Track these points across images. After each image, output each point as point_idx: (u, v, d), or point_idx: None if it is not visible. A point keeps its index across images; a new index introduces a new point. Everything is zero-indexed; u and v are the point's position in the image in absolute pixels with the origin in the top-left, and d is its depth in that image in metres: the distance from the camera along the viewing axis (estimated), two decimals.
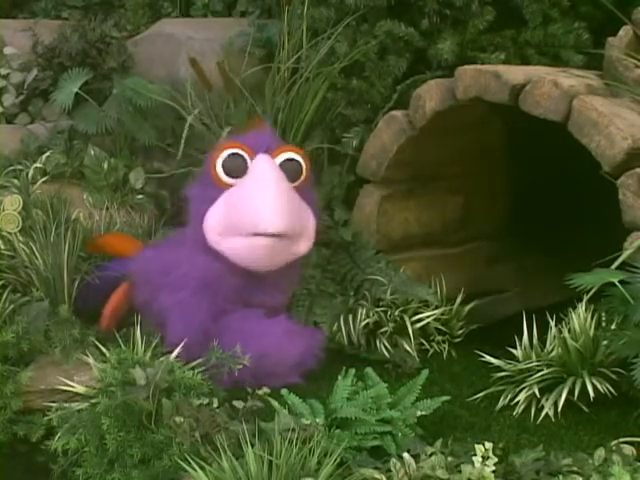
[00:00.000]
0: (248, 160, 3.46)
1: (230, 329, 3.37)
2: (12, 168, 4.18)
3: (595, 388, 3.09)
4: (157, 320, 3.42)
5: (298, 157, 3.52)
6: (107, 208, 4.06)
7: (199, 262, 3.46)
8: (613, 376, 3.12)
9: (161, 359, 3.10)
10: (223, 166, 3.46)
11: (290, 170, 3.48)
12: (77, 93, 4.31)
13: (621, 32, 3.54)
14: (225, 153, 3.47)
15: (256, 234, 3.35)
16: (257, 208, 3.35)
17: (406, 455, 2.67)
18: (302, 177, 3.51)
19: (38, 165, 4.19)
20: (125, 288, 3.59)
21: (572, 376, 3.16)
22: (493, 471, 2.56)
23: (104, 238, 3.85)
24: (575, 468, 2.66)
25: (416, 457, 2.68)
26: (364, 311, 3.65)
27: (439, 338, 3.74)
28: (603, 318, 3.20)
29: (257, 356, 3.29)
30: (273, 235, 3.34)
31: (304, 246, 3.53)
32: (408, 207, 3.94)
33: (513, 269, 4.29)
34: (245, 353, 3.26)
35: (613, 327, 3.11)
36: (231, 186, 3.45)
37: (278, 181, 3.42)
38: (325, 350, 3.58)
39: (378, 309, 3.65)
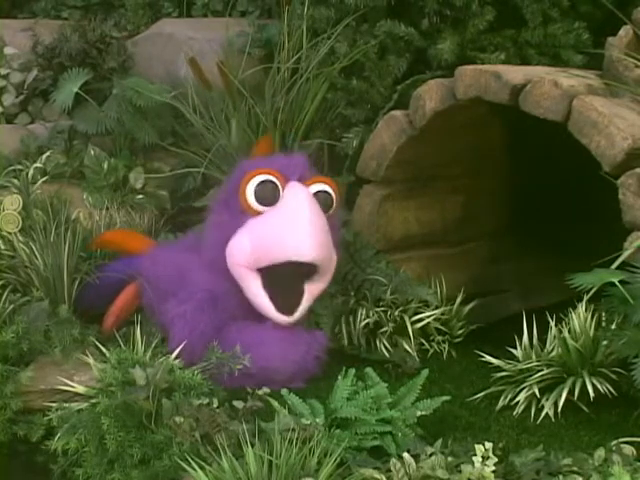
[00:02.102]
0: (280, 188, 3.40)
1: (228, 342, 3.33)
2: (12, 168, 4.17)
3: (595, 388, 3.09)
4: (161, 323, 3.41)
5: (330, 189, 3.49)
6: (107, 208, 4.06)
7: (208, 278, 3.45)
8: (613, 376, 3.12)
9: (161, 359, 3.10)
10: (255, 193, 3.40)
11: (323, 202, 3.44)
12: (77, 93, 4.31)
13: (621, 32, 3.54)
14: (257, 179, 3.39)
15: (288, 262, 3.33)
16: (293, 236, 3.31)
17: (406, 455, 2.67)
18: (332, 209, 3.49)
19: (38, 165, 4.19)
20: (133, 289, 3.59)
21: (572, 376, 3.16)
22: (493, 471, 2.56)
23: (110, 234, 3.83)
24: (575, 468, 2.66)
25: (416, 457, 2.69)
26: (364, 311, 3.65)
27: (439, 338, 3.74)
28: (603, 318, 3.20)
29: (259, 365, 3.28)
30: (303, 263, 3.32)
31: (323, 285, 3.50)
32: (408, 207, 3.94)
33: (513, 269, 4.28)
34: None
35: (613, 327, 3.11)
36: (260, 213, 3.40)
37: (314, 211, 3.37)
38: (325, 350, 3.58)
39: (378, 309, 3.65)
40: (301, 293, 3.44)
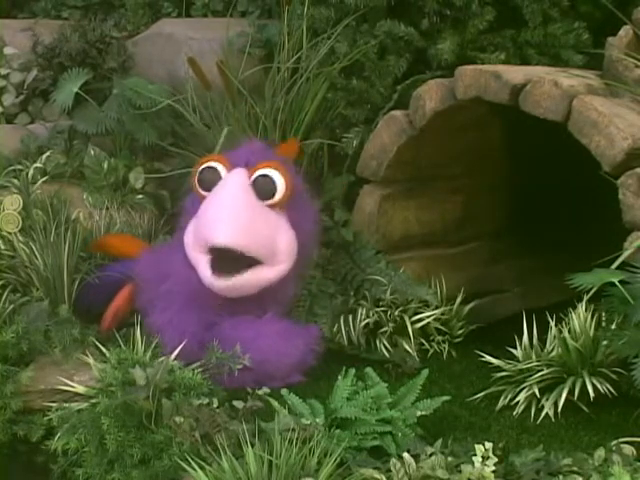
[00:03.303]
0: (223, 174, 3.45)
1: (223, 339, 3.34)
2: (12, 168, 4.17)
3: (595, 388, 3.09)
4: (152, 331, 3.41)
5: (275, 174, 3.41)
6: (107, 208, 4.06)
7: (187, 275, 3.45)
8: (613, 376, 3.12)
9: (161, 359, 3.10)
10: (198, 179, 3.48)
11: (261, 187, 3.40)
12: (77, 93, 4.31)
13: (621, 32, 3.54)
14: (203, 166, 3.49)
15: (209, 249, 3.34)
16: (209, 221, 3.34)
17: (406, 455, 2.67)
18: (278, 196, 3.41)
19: (38, 165, 4.19)
20: (129, 290, 3.59)
21: (572, 376, 3.16)
22: (493, 471, 2.56)
23: (107, 239, 3.84)
24: (575, 468, 2.66)
25: (416, 457, 2.69)
26: (364, 311, 3.65)
27: (439, 338, 3.74)
28: (603, 318, 3.20)
29: (255, 361, 3.29)
30: (219, 249, 3.30)
31: (275, 271, 3.44)
32: (408, 207, 3.94)
33: (513, 269, 4.28)
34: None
35: (613, 327, 3.11)
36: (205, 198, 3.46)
37: (237, 196, 3.36)
38: (325, 350, 3.58)
39: (378, 309, 3.65)
40: (246, 269, 3.39)
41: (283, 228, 3.44)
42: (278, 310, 3.55)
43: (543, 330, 3.33)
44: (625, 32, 3.53)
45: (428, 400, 3.07)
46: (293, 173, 3.52)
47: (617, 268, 3.00)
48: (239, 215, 3.34)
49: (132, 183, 4.21)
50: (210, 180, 3.46)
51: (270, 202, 3.42)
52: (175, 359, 3.16)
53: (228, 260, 3.35)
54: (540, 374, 3.18)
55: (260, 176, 3.41)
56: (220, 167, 3.47)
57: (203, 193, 3.48)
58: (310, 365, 3.46)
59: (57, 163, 4.22)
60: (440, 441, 2.83)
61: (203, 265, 3.39)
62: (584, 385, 3.11)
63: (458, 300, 3.86)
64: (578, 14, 4.08)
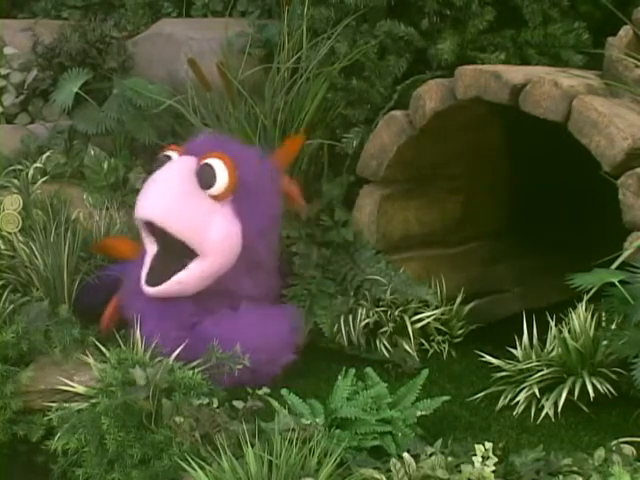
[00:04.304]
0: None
1: (204, 338, 3.32)
2: (12, 168, 4.18)
3: (595, 388, 3.09)
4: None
5: (219, 164, 3.39)
6: (107, 208, 4.06)
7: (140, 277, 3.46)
8: (613, 376, 3.12)
9: (161, 358, 3.11)
10: (153, 164, 3.54)
11: (202, 175, 3.39)
12: (77, 93, 4.31)
13: (621, 32, 3.54)
14: (160, 154, 3.54)
15: (140, 221, 3.39)
16: (141, 196, 3.41)
17: (406, 455, 2.67)
18: (218, 186, 3.39)
19: (38, 165, 4.19)
20: None
21: (572, 376, 3.16)
22: (493, 471, 2.56)
23: (108, 241, 3.83)
24: (575, 468, 2.66)
25: (416, 457, 2.69)
26: (364, 311, 3.65)
27: (439, 338, 3.73)
28: (603, 318, 3.20)
29: (245, 352, 3.28)
30: (143, 221, 3.35)
31: (207, 263, 3.39)
32: (408, 207, 3.94)
33: (513, 269, 4.28)
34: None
35: (613, 327, 3.11)
36: None
37: (171, 176, 3.41)
38: (325, 350, 3.59)
39: (378, 309, 3.65)
40: (181, 268, 3.38)
41: (221, 220, 3.40)
42: (251, 300, 3.54)
43: (543, 330, 3.33)
44: (625, 32, 3.53)
45: (428, 400, 3.07)
46: (252, 166, 3.50)
47: (617, 268, 3.00)
48: (166, 192, 3.37)
49: (132, 183, 4.21)
50: (158, 166, 3.49)
51: (211, 192, 3.39)
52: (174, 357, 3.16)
53: (167, 259, 3.38)
54: (540, 374, 3.18)
55: (203, 165, 3.41)
56: (175, 155, 3.50)
57: None
58: (297, 342, 3.47)
59: (57, 163, 4.23)
60: (440, 441, 2.83)
61: (144, 268, 3.42)
62: (584, 385, 3.11)
63: (458, 300, 3.86)
64: (578, 14, 4.08)
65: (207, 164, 3.40)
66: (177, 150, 3.53)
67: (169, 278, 3.37)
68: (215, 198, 3.40)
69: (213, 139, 3.66)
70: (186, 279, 3.39)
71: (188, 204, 3.37)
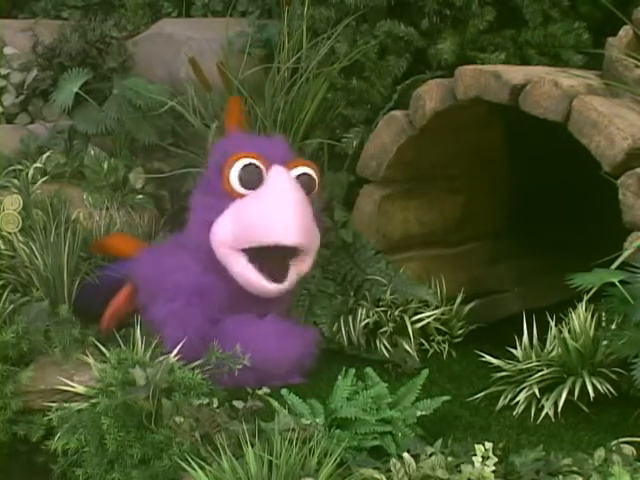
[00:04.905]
0: (264, 171, 3.43)
1: (225, 336, 3.34)
2: (12, 168, 4.17)
3: (595, 388, 3.09)
4: (153, 326, 3.41)
5: (312, 172, 3.53)
6: (107, 208, 4.05)
7: (193, 270, 3.46)
8: (613, 376, 3.12)
9: (160, 358, 3.10)
10: (239, 176, 3.43)
11: (305, 184, 3.48)
12: (77, 93, 4.31)
13: (621, 32, 3.54)
14: (240, 163, 3.42)
15: (271, 245, 3.35)
16: (279, 219, 3.34)
17: (406, 455, 2.67)
18: (314, 192, 3.54)
19: (38, 165, 4.19)
20: (128, 290, 3.59)
21: (572, 376, 3.16)
22: (493, 471, 2.56)
23: (108, 239, 3.84)
24: (575, 468, 2.66)
25: (416, 457, 2.68)
26: (364, 311, 3.65)
27: (439, 338, 3.74)
28: (603, 318, 3.20)
29: (256, 361, 3.29)
30: (287, 247, 3.36)
31: (307, 264, 3.52)
32: (408, 207, 3.94)
33: (513, 269, 4.29)
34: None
35: (613, 327, 3.11)
36: (243, 196, 3.43)
37: (297, 194, 3.41)
38: (325, 350, 3.59)
39: (378, 309, 3.65)
40: (286, 268, 3.46)
41: (314, 224, 3.51)
42: (281, 308, 3.57)
43: (543, 330, 3.33)
44: (625, 32, 3.53)
45: (428, 400, 3.07)
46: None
47: (617, 268, 3.00)
48: (304, 215, 3.39)
49: (132, 183, 4.21)
50: (253, 178, 3.42)
51: (309, 197, 3.50)
52: (177, 353, 3.16)
53: (273, 258, 3.42)
54: (540, 374, 3.18)
55: (302, 174, 3.49)
56: (261, 165, 3.44)
57: (242, 191, 3.43)
58: (308, 367, 3.47)
59: (57, 163, 4.22)
60: (440, 441, 2.83)
61: (245, 268, 3.42)
62: (584, 385, 3.10)
63: (458, 300, 3.86)
64: (578, 14, 4.09)
65: (307, 173, 3.50)
66: (258, 158, 3.44)
67: (285, 275, 3.44)
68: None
69: (279, 144, 3.63)
70: (296, 274, 3.48)
71: (310, 218, 3.45)
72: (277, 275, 3.44)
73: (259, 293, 3.46)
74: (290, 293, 3.59)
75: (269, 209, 3.37)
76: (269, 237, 3.35)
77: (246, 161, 3.42)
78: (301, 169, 3.51)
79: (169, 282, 3.45)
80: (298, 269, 3.50)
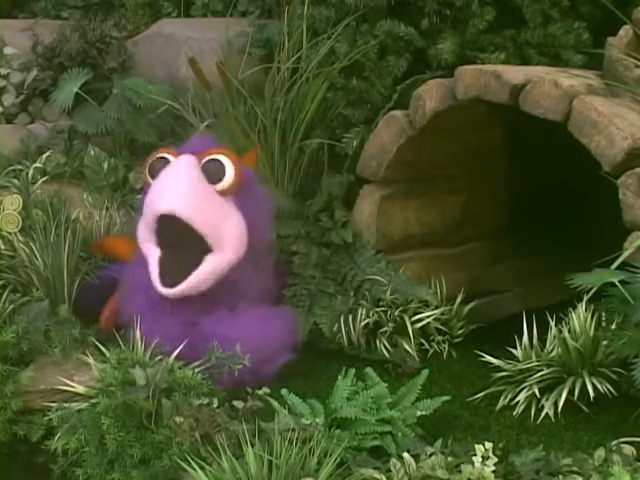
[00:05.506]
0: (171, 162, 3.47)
1: (204, 337, 3.32)
2: (12, 168, 4.18)
3: (595, 388, 3.09)
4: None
5: (224, 159, 3.44)
6: (107, 208, 4.06)
7: (140, 277, 3.45)
8: (613, 376, 3.12)
9: (160, 357, 3.10)
10: (148, 169, 3.49)
11: (210, 170, 3.41)
12: (77, 93, 4.31)
13: (621, 32, 3.54)
14: (153, 157, 3.51)
15: (159, 217, 3.33)
16: (158, 191, 3.36)
17: (406, 455, 2.67)
18: (227, 180, 3.42)
19: (38, 165, 4.19)
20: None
21: (572, 376, 3.16)
22: (493, 471, 2.56)
23: (107, 240, 3.84)
24: (575, 468, 2.66)
25: (416, 457, 2.68)
26: (364, 311, 3.65)
27: (439, 338, 3.73)
28: (603, 318, 3.20)
29: (244, 352, 3.28)
30: (165, 216, 3.30)
31: (224, 260, 3.41)
32: (408, 207, 3.94)
33: (513, 269, 4.28)
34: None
35: (613, 327, 3.11)
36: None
37: (186, 173, 3.37)
38: (325, 350, 3.59)
39: (378, 309, 3.65)
40: (195, 266, 3.39)
41: (232, 215, 3.43)
42: (249, 301, 3.53)
43: (543, 330, 3.33)
44: (625, 32, 3.53)
45: (428, 400, 3.07)
46: (242, 164, 3.54)
47: (617, 268, 3.00)
48: (185, 186, 3.34)
49: (132, 183, 4.21)
50: (159, 169, 3.45)
51: (219, 187, 3.42)
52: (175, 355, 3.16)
53: (177, 258, 3.36)
54: (540, 374, 3.18)
55: (210, 160, 3.43)
56: (170, 157, 3.47)
57: (151, 181, 3.48)
58: (293, 343, 3.47)
59: (57, 163, 4.23)
60: (440, 441, 2.83)
61: (153, 270, 3.39)
62: (584, 385, 3.10)
63: (458, 300, 3.85)
64: (578, 14, 4.09)
65: (214, 159, 3.42)
66: (170, 152, 3.51)
67: (185, 277, 3.36)
68: (222, 193, 3.42)
69: (203, 140, 3.64)
70: (203, 275, 3.39)
71: (205, 198, 3.37)
72: (172, 280, 3.36)
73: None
74: (249, 283, 3.53)
75: (154, 186, 3.41)
76: (153, 210, 3.35)
77: (158, 155, 3.50)
78: (211, 156, 3.44)
79: (137, 300, 3.43)
80: (209, 267, 3.39)
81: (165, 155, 3.50)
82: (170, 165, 3.44)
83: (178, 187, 3.33)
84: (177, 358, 3.17)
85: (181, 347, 3.22)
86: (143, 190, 3.63)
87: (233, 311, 3.46)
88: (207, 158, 3.44)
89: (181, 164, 3.41)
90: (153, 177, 3.47)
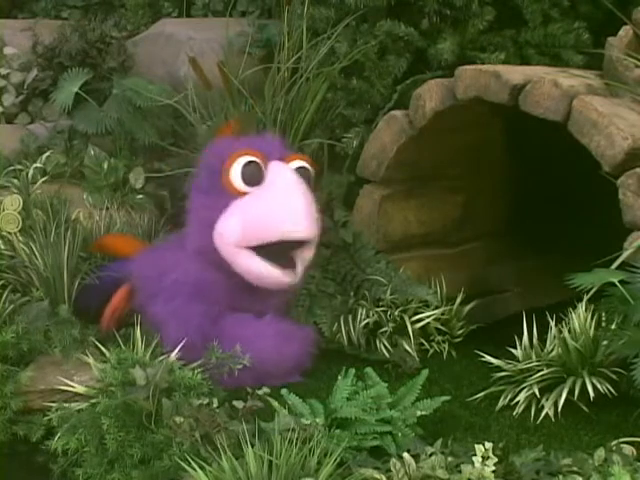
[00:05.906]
0: (263, 168, 3.44)
1: (224, 336, 3.35)
2: (12, 168, 4.17)
3: (595, 388, 3.09)
4: (153, 325, 3.41)
5: (308, 165, 3.54)
6: (107, 208, 4.06)
7: (193, 269, 3.45)
8: (613, 376, 3.12)
9: (160, 358, 3.10)
10: (242, 174, 3.41)
11: (304, 177, 3.49)
12: (77, 93, 4.31)
13: (621, 32, 3.54)
14: (242, 160, 3.42)
15: (285, 240, 3.37)
16: (288, 213, 3.37)
17: (406, 455, 2.67)
18: (311, 184, 3.53)
19: (38, 165, 4.19)
20: (126, 290, 3.59)
21: (572, 376, 3.16)
22: (493, 471, 2.56)
23: (107, 239, 3.84)
24: (575, 468, 2.66)
25: (416, 457, 2.68)
26: (364, 311, 3.65)
27: (439, 338, 3.73)
28: (603, 318, 3.20)
29: (254, 360, 3.29)
30: (302, 241, 3.39)
31: (310, 254, 3.53)
32: (408, 207, 3.94)
33: (513, 269, 4.28)
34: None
35: (613, 327, 3.11)
36: (245, 194, 3.42)
37: (301, 187, 3.43)
38: (325, 350, 3.59)
39: (378, 309, 3.65)
40: (294, 260, 3.48)
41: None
42: (280, 306, 3.58)
43: (543, 330, 3.33)
44: (625, 32, 3.53)
45: (428, 400, 3.07)
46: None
47: (617, 268, 3.00)
48: (310, 207, 3.42)
49: (132, 183, 4.21)
50: (255, 175, 3.42)
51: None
52: (177, 352, 3.16)
53: (280, 252, 3.43)
54: (540, 374, 3.18)
55: (300, 168, 3.50)
56: (258, 160, 3.44)
57: (245, 189, 3.42)
58: (307, 366, 3.48)
59: (57, 163, 4.22)
60: (440, 441, 2.83)
61: (259, 264, 3.41)
62: (584, 385, 3.10)
63: (458, 300, 3.85)
64: (578, 14, 4.09)
65: (303, 167, 3.52)
66: (257, 155, 3.43)
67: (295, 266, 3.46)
68: None
69: (271, 140, 3.65)
70: (302, 266, 3.51)
71: (315, 209, 3.47)
72: (288, 266, 3.46)
73: (273, 286, 3.47)
74: (288, 290, 3.59)
75: (278, 204, 3.39)
76: (280, 232, 3.37)
77: (247, 158, 3.42)
78: (297, 162, 3.51)
79: (169, 281, 3.45)
80: (302, 260, 3.51)
81: (256, 159, 3.43)
82: (276, 176, 3.43)
83: (305, 209, 3.39)
84: (192, 348, 3.23)
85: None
86: (212, 189, 3.49)
87: (260, 317, 3.48)
88: (296, 165, 3.50)
89: (292, 177, 3.43)
90: (250, 184, 3.41)
